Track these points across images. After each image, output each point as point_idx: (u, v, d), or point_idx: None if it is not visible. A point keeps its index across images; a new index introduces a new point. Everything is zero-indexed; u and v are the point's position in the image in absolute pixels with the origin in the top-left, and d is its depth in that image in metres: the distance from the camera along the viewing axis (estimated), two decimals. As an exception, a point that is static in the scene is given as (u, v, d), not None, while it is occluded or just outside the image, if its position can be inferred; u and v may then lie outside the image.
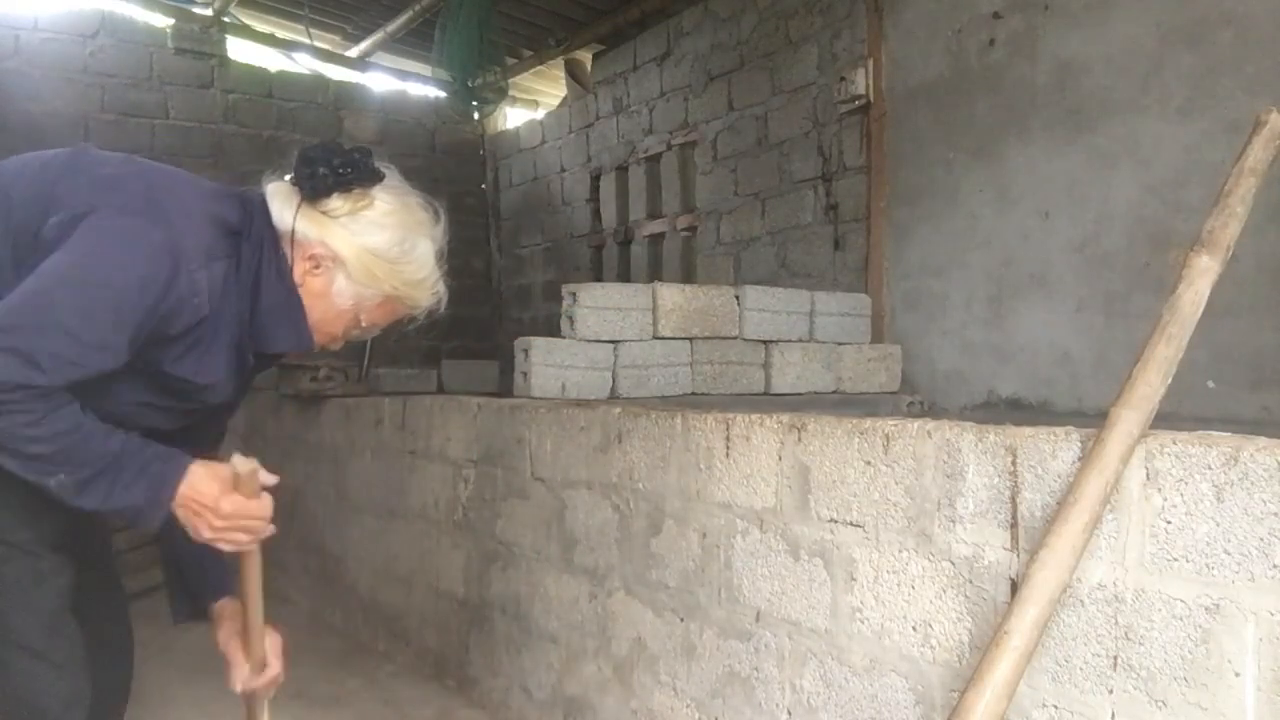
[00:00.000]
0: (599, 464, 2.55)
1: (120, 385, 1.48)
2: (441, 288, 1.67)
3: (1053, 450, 1.55)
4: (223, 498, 1.45)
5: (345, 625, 3.89)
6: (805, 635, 1.96)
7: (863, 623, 1.85)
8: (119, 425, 1.57)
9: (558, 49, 6.93)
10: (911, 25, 4.40)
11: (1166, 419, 1.47)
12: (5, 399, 1.31)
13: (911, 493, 1.76)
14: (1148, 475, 1.42)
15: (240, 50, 7.31)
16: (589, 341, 3.48)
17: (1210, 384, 3.27)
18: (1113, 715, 1.45)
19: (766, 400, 3.85)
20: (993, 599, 1.63)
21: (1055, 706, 1.52)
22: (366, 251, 1.54)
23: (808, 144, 4.93)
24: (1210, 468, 1.35)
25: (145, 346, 1.45)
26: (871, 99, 4.51)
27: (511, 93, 7.28)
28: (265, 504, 1.50)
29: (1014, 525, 1.60)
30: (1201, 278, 1.49)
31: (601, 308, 3.51)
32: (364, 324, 1.65)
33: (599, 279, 6.69)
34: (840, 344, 4.14)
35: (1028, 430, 1.60)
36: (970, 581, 1.66)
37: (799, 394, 3.96)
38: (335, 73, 7.67)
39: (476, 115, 7.39)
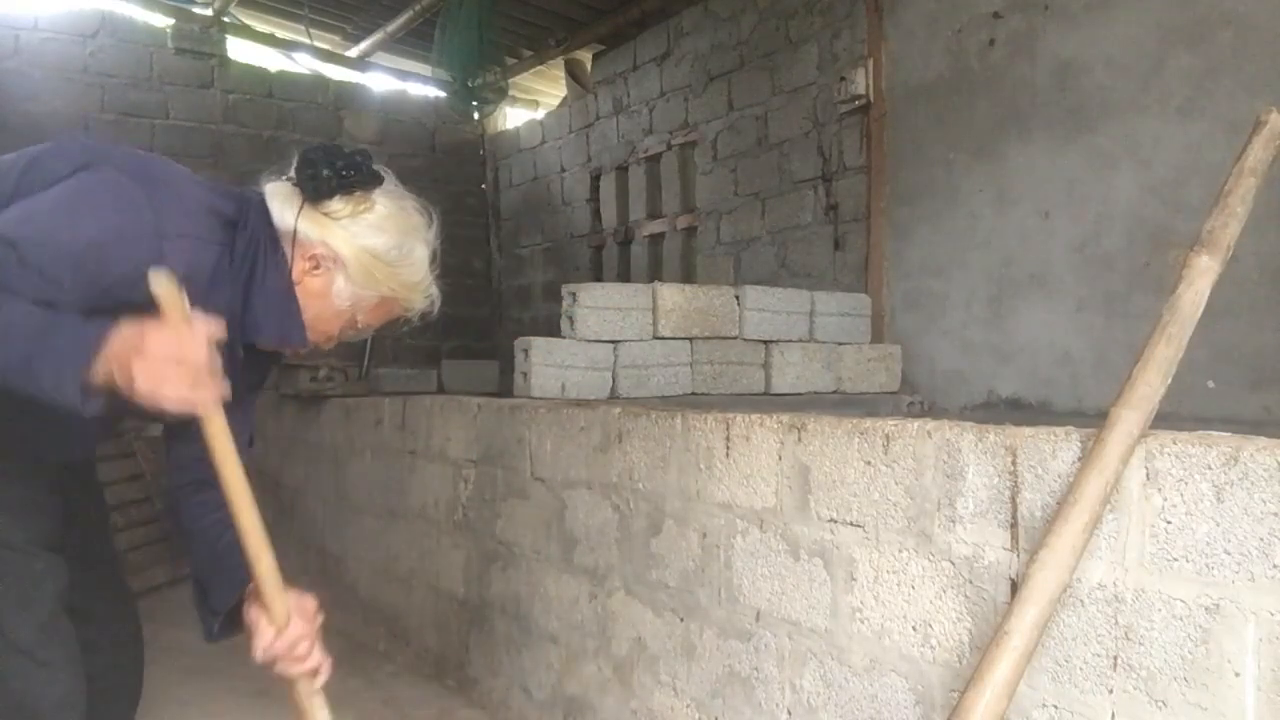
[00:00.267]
0: (599, 464, 2.55)
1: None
2: (435, 290, 1.67)
3: (1053, 450, 1.55)
4: (146, 329, 1.27)
5: (345, 625, 3.89)
6: (805, 635, 1.96)
7: (863, 623, 1.85)
8: (115, 422, 1.56)
9: (558, 49, 6.93)
10: (911, 25, 4.40)
11: (1166, 419, 1.47)
12: None
13: (911, 493, 1.76)
14: (1148, 475, 1.42)
15: (240, 50, 7.31)
16: (589, 341, 3.48)
17: (1210, 384, 3.27)
18: (1113, 715, 1.45)
19: (766, 400, 3.85)
20: (993, 599, 1.63)
21: (1055, 706, 1.52)
22: (366, 253, 1.55)
23: (808, 144, 4.93)
24: (1210, 468, 1.35)
25: (115, 313, 1.35)
26: (871, 99, 4.51)
27: (511, 93, 7.29)
28: (198, 332, 1.29)
29: (1014, 525, 1.60)
30: (1201, 278, 1.49)
31: (601, 308, 3.51)
32: (360, 324, 1.65)
33: (599, 279, 6.69)
34: (840, 344, 4.14)
35: (1028, 430, 1.60)
36: (970, 581, 1.66)
37: (799, 394, 3.96)
38: (335, 73, 7.67)
39: (476, 115, 7.39)
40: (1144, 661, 1.41)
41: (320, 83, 7.56)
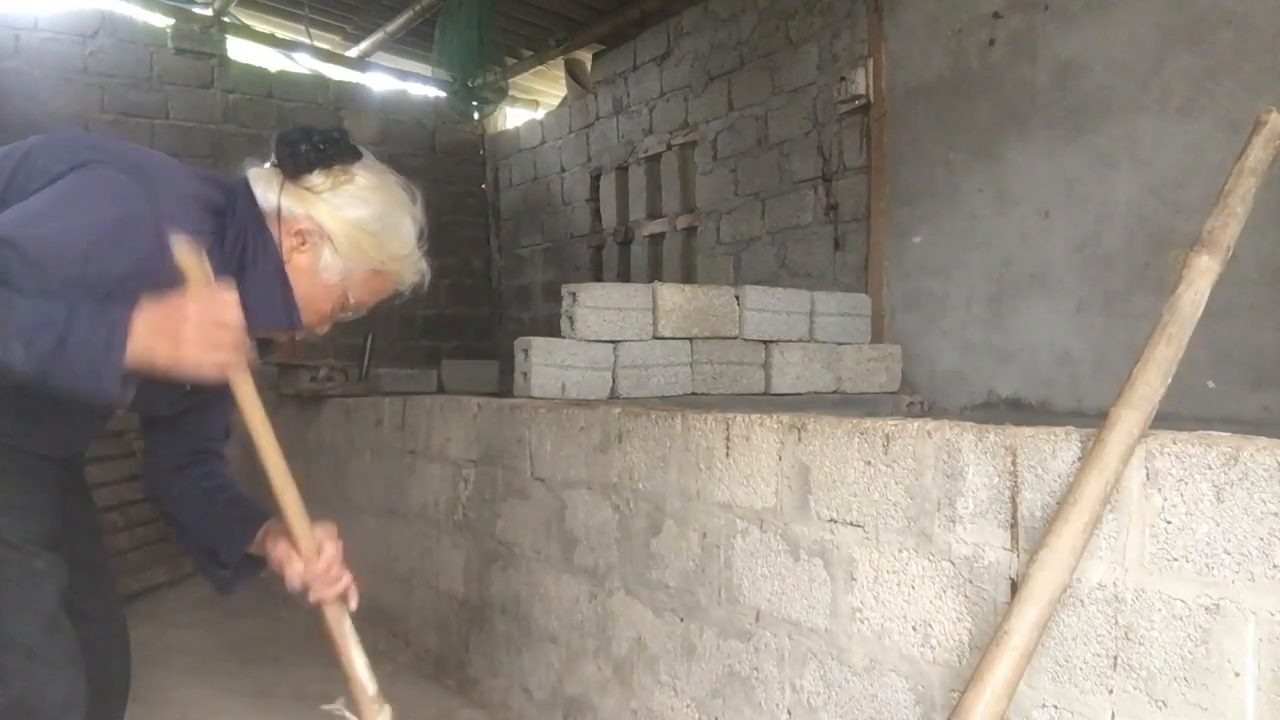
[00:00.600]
0: (599, 464, 2.55)
1: None
2: (424, 265, 1.67)
3: (1053, 450, 1.55)
4: (184, 301, 1.32)
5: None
6: (805, 635, 1.96)
7: (863, 623, 1.85)
8: (107, 413, 1.55)
9: (558, 49, 6.93)
10: (911, 25, 4.40)
11: (1166, 419, 1.47)
12: None
13: (911, 493, 1.76)
14: (1148, 475, 1.42)
15: (240, 50, 7.31)
16: (589, 341, 3.48)
17: (1210, 384, 3.27)
18: (1113, 715, 1.45)
19: (766, 400, 3.85)
20: (993, 599, 1.63)
21: (1055, 706, 1.52)
22: (351, 225, 1.56)
23: (808, 144, 4.93)
24: (1210, 468, 1.35)
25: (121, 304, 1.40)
26: (871, 99, 4.51)
27: (511, 93, 7.29)
28: (227, 295, 1.35)
29: (1014, 525, 1.60)
30: (1201, 278, 1.49)
31: (601, 308, 3.51)
32: (352, 302, 1.64)
33: (599, 279, 6.69)
34: (840, 344, 4.14)
35: (1028, 430, 1.60)
36: (970, 581, 1.66)
37: (799, 394, 3.96)
38: (335, 73, 7.68)
39: (476, 115, 7.40)
40: (1144, 661, 1.41)
41: (320, 83, 7.56)
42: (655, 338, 3.63)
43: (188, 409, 1.71)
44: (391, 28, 7.01)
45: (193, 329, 1.31)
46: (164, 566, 4.65)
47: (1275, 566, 1.28)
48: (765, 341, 3.90)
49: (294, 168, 1.54)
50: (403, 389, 4.65)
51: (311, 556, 1.60)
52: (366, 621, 3.90)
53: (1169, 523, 1.39)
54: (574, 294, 3.52)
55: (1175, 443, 1.40)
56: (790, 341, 3.96)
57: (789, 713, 1.99)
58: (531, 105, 8.16)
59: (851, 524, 1.87)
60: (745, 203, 5.36)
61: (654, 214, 6.37)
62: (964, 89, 4.17)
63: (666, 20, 5.97)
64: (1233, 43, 3.30)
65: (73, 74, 6.58)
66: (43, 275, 1.30)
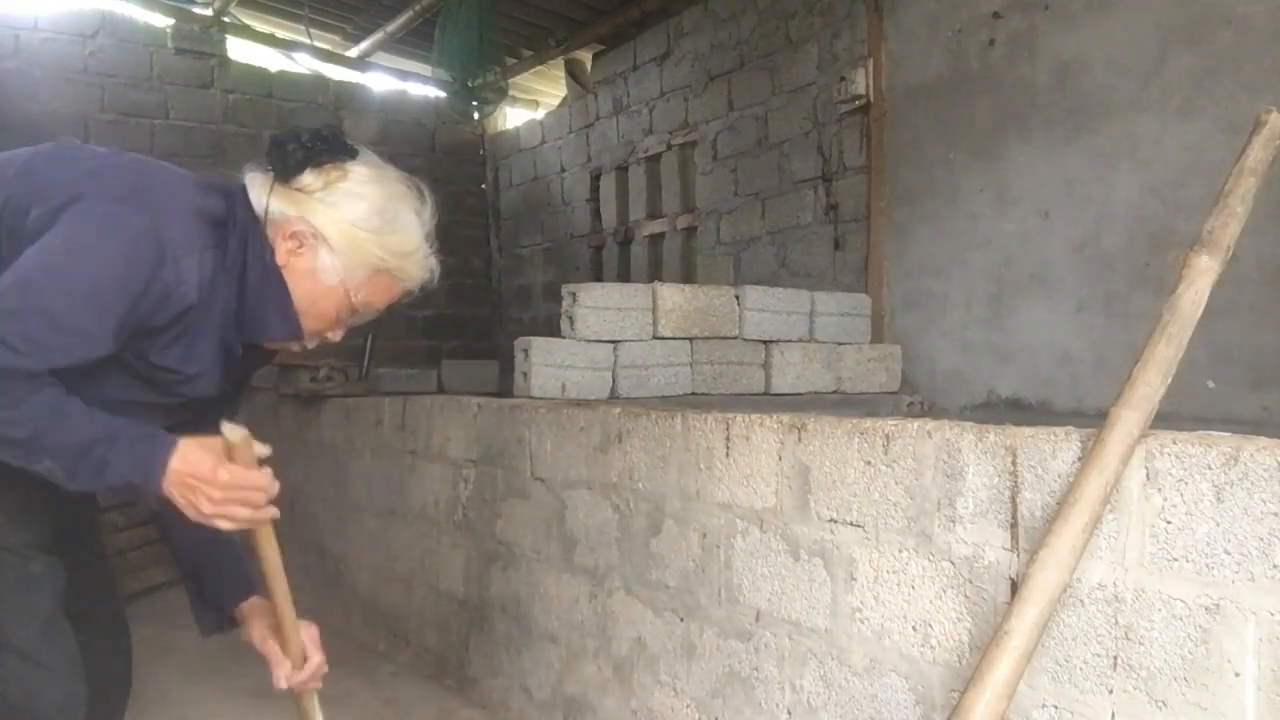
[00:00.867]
0: (599, 464, 2.55)
1: (107, 380, 1.47)
2: (433, 261, 1.63)
3: (1053, 450, 1.55)
4: (219, 467, 1.39)
5: (345, 625, 3.89)
6: (805, 635, 1.96)
7: (863, 623, 1.85)
8: None
9: (558, 49, 6.93)
10: (911, 25, 4.40)
11: (1166, 419, 1.47)
12: None
13: (911, 493, 1.76)
14: (1148, 475, 1.42)
15: (240, 50, 7.31)
16: (589, 341, 3.48)
17: (1210, 384, 3.27)
18: (1113, 715, 1.45)
19: (766, 400, 3.85)
20: (993, 599, 1.63)
21: (1055, 706, 1.52)
22: (346, 222, 1.52)
23: (808, 144, 4.93)
24: (1210, 468, 1.35)
25: (132, 338, 1.43)
26: (871, 99, 4.51)
27: (511, 93, 7.29)
28: (265, 475, 1.44)
29: (1014, 525, 1.60)
30: (1201, 278, 1.49)
31: (601, 308, 3.51)
32: (357, 303, 1.59)
33: (599, 279, 6.69)
34: (840, 344, 4.14)
35: (1028, 430, 1.60)
36: (970, 581, 1.66)
37: (799, 394, 3.96)
38: (335, 73, 7.67)
39: (476, 115, 7.39)
40: (1144, 661, 1.41)
41: (320, 83, 7.56)
42: (655, 338, 3.63)
43: (184, 421, 1.67)
44: (391, 28, 7.01)
45: (219, 491, 1.39)
46: (164, 566, 4.64)
47: (1275, 566, 1.28)
48: (765, 341, 3.90)
49: (284, 169, 1.51)
50: (403, 389, 4.65)
51: (298, 663, 1.69)
52: (366, 622, 3.92)
53: (1169, 523, 1.39)
54: (574, 294, 3.52)
55: (1175, 443, 1.40)
56: (790, 341, 3.96)
57: (789, 713, 1.99)
58: (531, 105, 8.16)
59: (851, 524, 1.87)
60: (745, 203, 5.36)
61: (654, 214, 6.36)
62: (964, 89, 4.17)
63: (666, 20, 5.97)
64: (1233, 43, 3.30)
65: (73, 74, 6.57)
66: (76, 339, 1.36)
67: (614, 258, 6.74)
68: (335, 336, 1.67)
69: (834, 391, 4.09)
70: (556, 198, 7.33)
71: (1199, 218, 1.56)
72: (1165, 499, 1.40)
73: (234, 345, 1.57)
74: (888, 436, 1.80)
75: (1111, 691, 1.45)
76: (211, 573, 1.75)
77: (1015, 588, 1.51)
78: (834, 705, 1.90)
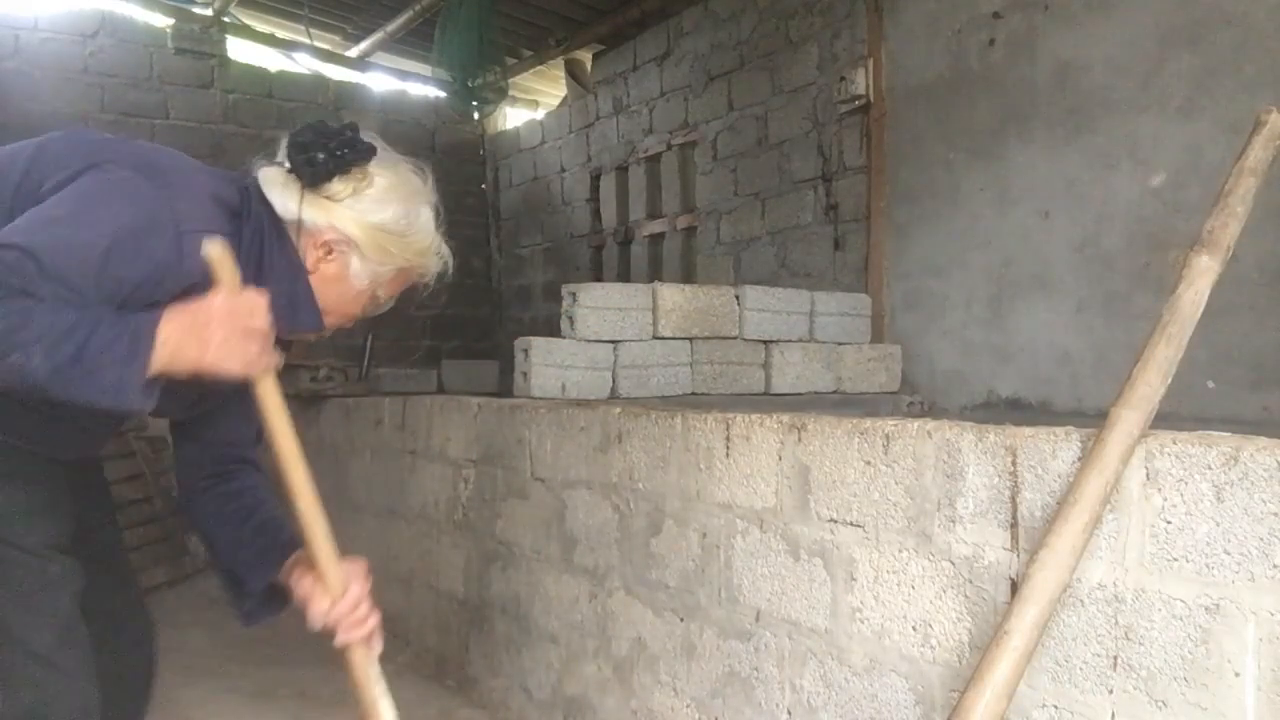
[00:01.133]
0: (599, 464, 2.55)
1: None
2: (445, 250, 1.64)
3: (1053, 450, 1.55)
4: (213, 301, 1.31)
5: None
6: (805, 635, 1.96)
7: (863, 623, 1.85)
8: (122, 418, 1.54)
9: (558, 49, 6.93)
10: (911, 25, 4.40)
11: (1166, 419, 1.47)
12: None
13: (911, 493, 1.76)
14: (1148, 475, 1.42)
15: (240, 50, 7.31)
16: (589, 341, 3.48)
17: (1210, 384, 3.27)
18: (1113, 715, 1.45)
19: (766, 400, 3.85)
20: (993, 599, 1.63)
21: (1055, 706, 1.52)
22: (375, 229, 1.53)
23: (808, 144, 4.93)
24: (1210, 468, 1.35)
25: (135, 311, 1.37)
26: (871, 99, 4.51)
27: (511, 93, 7.28)
28: (257, 296, 1.35)
29: (1014, 525, 1.60)
30: (1201, 278, 1.49)
31: (601, 308, 3.51)
32: (381, 299, 1.62)
33: (599, 279, 6.69)
34: (840, 344, 4.14)
35: (1028, 430, 1.60)
36: (970, 581, 1.66)
37: (799, 394, 3.96)
38: (335, 73, 7.67)
39: (476, 115, 7.40)
40: (1144, 661, 1.41)
41: (320, 83, 7.56)
42: (655, 338, 3.63)
43: (208, 413, 1.67)
44: (391, 28, 7.01)
45: (220, 329, 1.30)
46: (164, 566, 4.65)
47: (1275, 566, 1.28)
48: (765, 341, 3.90)
49: (312, 176, 1.50)
50: (403, 389, 4.65)
51: (337, 594, 1.53)
52: (366, 621, 3.90)
53: (1169, 523, 1.39)
54: (574, 294, 3.52)
55: (1175, 443, 1.40)
56: (790, 341, 3.96)
57: (789, 713, 1.99)
58: (531, 105, 8.16)
59: (851, 524, 1.87)
60: (745, 203, 5.36)
61: (654, 214, 6.36)
62: (964, 89, 4.17)
63: (666, 20, 5.97)
64: (1233, 43, 3.30)
65: (73, 74, 6.57)
66: (60, 282, 1.27)
67: (614, 258, 6.74)
68: (348, 326, 1.68)
69: (834, 391, 4.09)
70: (556, 198, 7.33)
71: (1199, 218, 1.56)
72: (1165, 499, 1.40)
73: None
74: (888, 436, 1.80)
75: (1111, 691, 1.45)
76: (244, 554, 1.67)
77: (1015, 588, 1.51)
78: (834, 705, 1.90)
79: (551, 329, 4.17)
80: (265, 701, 3.05)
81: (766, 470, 2.05)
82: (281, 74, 7.40)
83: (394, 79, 7.86)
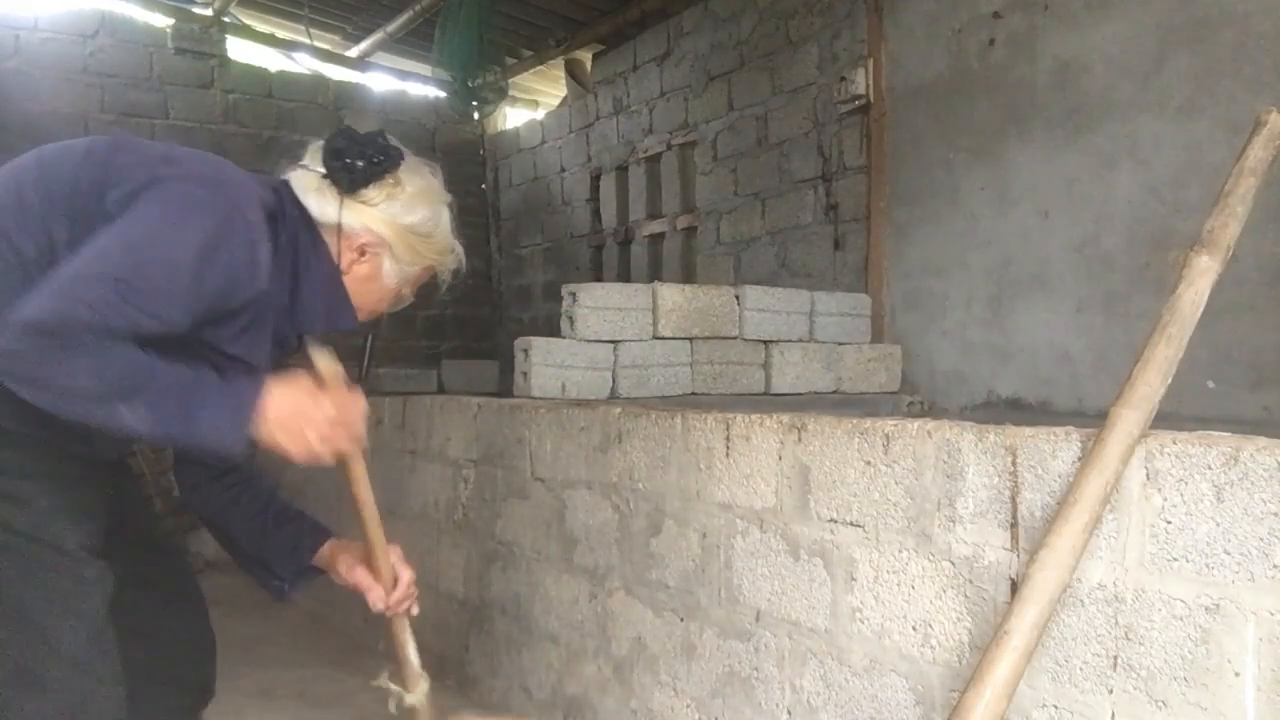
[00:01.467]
0: (599, 464, 2.55)
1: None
2: (460, 248, 1.73)
3: (1053, 450, 1.55)
4: (320, 400, 1.45)
5: (345, 625, 3.89)
6: (805, 635, 1.96)
7: (863, 623, 1.85)
8: None
9: (558, 49, 6.93)
10: (911, 25, 4.40)
11: (1166, 419, 1.46)
12: (68, 338, 1.28)
13: (911, 493, 1.76)
14: (1148, 475, 1.42)
15: (240, 50, 7.31)
16: (589, 341, 3.48)
17: (1210, 384, 3.27)
18: (1113, 715, 1.45)
19: (766, 400, 3.85)
20: (993, 599, 1.63)
21: (1055, 706, 1.52)
22: (406, 230, 1.62)
23: (808, 144, 4.93)
24: (1210, 468, 1.35)
25: (207, 324, 1.47)
26: (871, 99, 4.51)
27: (511, 93, 7.29)
28: (360, 399, 1.51)
29: (1014, 525, 1.60)
30: (1201, 278, 1.49)
31: (601, 308, 3.51)
32: (405, 295, 1.72)
33: (599, 279, 6.69)
34: (840, 344, 4.14)
35: (1028, 430, 1.60)
36: (970, 581, 1.66)
37: (799, 394, 3.96)
38: (335, 73, 7.68)
39: (476, 115, 7.39)
40: (1144, 661, 1.41)
41: (320, 83, 7.56)
42: (655, 338, 3.63)
43: None
44: (391, 28, 7.01)
45: (318, 428, 1.43)
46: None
47: (1275, 566, 1.28)
48: (765, 341, 3.90)
49: (349, 183, 1.57)
50: (403, 389, 4.65)
51: (390, 585, 1.78)
52: (366, 622, 3.90)
53: (1169, 523, 1.39)
54: (574, 294, 3.52)
55: (1175, 443, 1.40)
56: (790, 341, 3.96)
57: (789, 713, 1.99)
58: (531, 105, 8.16)
59: (851, 524, 1.87)
60: (745, 203, 5.36)
61: (654, 214, 6.36)
62: (964, 89, 4.17)
63: (666, 20, 5.97)
64: (1233, 43, 3.30)
65: (73, 74, 6.57)
66: (154, 314, 1.35)
67: (614, 258, 6.74)
68: (372, 319, 1.77)
69: (834, 391, 4.09)
70: (556, 198, 7.33)
71: (1199, 218, 1.56)
72: (1165, 499, 1.40)
73: (288, 337, 1.64)
74: (888, 436, 1.80)
75: (1111, 691, 1.45)
76: (280, 544, 1.79)
77: (1015, 588, 1.51)
78: (834, 705, 1.90)
79: (551, 329, 4.17)
80: (265, 701, 3.05)
81: (766, 470, 2.05)
82: (281, 74, 7.41)
83: (394, 79, 7.87)
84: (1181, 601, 1.37)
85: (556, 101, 7.49)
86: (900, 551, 1.78)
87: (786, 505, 2.00)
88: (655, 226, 6.33)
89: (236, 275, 1.45)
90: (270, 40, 7.46)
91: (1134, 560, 1.43)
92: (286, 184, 1.61)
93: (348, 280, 1.63)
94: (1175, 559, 1.38)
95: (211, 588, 1.90)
